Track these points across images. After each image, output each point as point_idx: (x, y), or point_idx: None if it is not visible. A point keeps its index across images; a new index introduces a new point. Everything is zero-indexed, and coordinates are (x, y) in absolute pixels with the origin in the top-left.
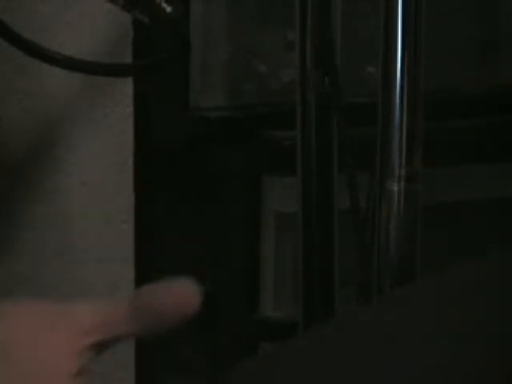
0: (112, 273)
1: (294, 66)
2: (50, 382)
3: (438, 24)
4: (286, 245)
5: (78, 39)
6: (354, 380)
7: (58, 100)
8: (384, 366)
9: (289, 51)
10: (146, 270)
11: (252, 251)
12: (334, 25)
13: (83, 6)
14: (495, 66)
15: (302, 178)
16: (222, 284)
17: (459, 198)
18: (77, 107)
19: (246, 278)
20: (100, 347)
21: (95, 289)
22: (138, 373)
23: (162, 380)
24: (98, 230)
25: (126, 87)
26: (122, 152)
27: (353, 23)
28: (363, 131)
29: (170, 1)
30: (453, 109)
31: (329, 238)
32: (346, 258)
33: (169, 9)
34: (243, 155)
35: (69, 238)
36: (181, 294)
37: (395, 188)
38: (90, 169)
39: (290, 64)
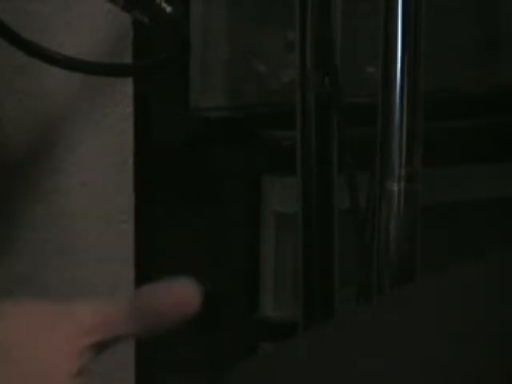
0: (112, 273)
1: (294, 66)
2: (50, 382)
3: (438, 24)
4: (286, 245)
5: (78, 39)
6: (354, 380)
7: (58, 100)
8: (384, 366)
9: (289, 51)
10: (146, 270)
11: (252, 251)
12: (334, 25)
13: (83, 6)
14: (495, 66)
15: (302, 178)
16: (222, 284)
17: (459, 198)
18: (77, 107)
19: (246, 278)
20: (100, 347)
21: (95, 289)
22: (137, 373)
23: (162, 380)
24: (98, 229)
25: (125, 87)
26: (122, 152)
27: (353, 23)
28: (363, 131)
29: (170, 1)
30: (453, 109)
31: (329, 237)
32: (346, 258)
33: (169, 9)
34: (243, 155)
35: (69, 237)
36: (181, 294)
37: (395, 188)
38: (90, 169)
39: (290, 64)
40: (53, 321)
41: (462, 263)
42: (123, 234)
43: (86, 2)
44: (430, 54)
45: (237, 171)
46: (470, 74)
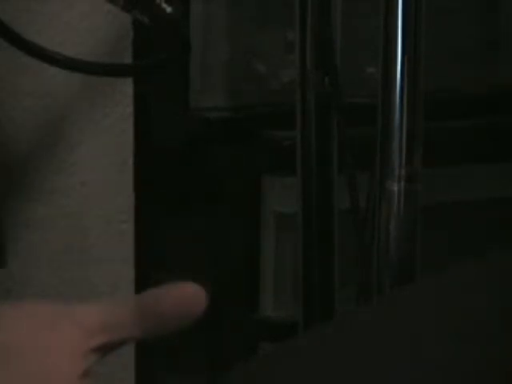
0: (112, 273)
1: (294, 66)
2: (50, 383)
3: (437, 24)
4: (286, 245)
5: (78, 39)
6: (353, 380)
7: (58, 100)
8: (384, 366)
9: (289, 51)
10: (146, 270)
11: (252, 251)
12: (334, 25)
13: (83, 6)
14: (495, 66)
15: (302, 178)
16: (222, 284)
17: (459, 198)
18: (77, 107)
19: (246, 278)
20: (105, 349)
21: (95, 289)
22: (138, 373)
23: (162, 380)
24: (97, 229)
25: (125, 87)
26: (122, 152)
27: (353, 23)
28: (363, 131)
29: (170, 1)
30: (453, 109)
31: (329, 238)
32: (346, 258)
33: (169, 9)
34: (243, 155)
35: (69, 237)
36: (186, 296)
37: (395, 188)
38: (90, 169)
39: (290, 64)
40: (53, 321)
41: (462, 263)
42: (123, 234)
43: (86, 2)
44: (430, 54)
45: (237, 171)
46: (470, 74)
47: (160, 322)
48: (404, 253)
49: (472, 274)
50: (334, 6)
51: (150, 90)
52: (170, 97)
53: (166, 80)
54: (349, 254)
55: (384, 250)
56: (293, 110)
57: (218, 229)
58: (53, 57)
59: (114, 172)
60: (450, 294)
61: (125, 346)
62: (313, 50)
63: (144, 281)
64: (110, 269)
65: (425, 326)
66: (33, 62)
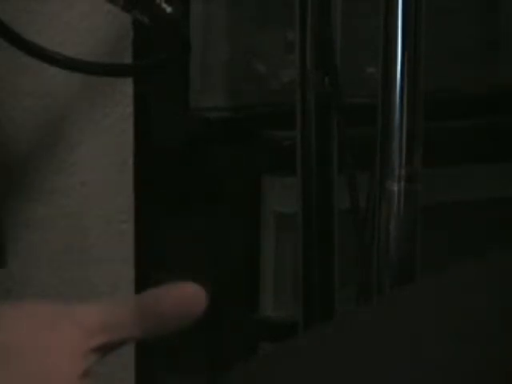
0: (112, 273)
1: (294, 66)
2: (50, 383)
3: (438, 24)
4: (286, 245)
5: (78, 39)
6: (353, 380)
7: (58, 100)
8: (384, 366)
9: (289, 51)
10: (146, 270)
11: (252, 251)
12: (334, 25)
13: (83, 6)
14: (495, 66)
15: (302, 178)
16: (222, 284)
17: (459, 198)
18: (77, 107)
19: (246, 278)
20: (105, 349)
21: (95, 289)
22: (138, 373)
23: (162, 380)
24: (98, 229)
25: (125, 87)
26: (122, 152)
27: (353, 23)
28: (363, 131)
29: (170, 1)
30: (453, 109)
31: (329, 238)
32: (346, 258)
33: (169, 9)
34: (243, 155)
35: (69, 237)
36: (186, 296)
37: (395, 188)
38: (90, 169)
39: (290, 64)
40: (53, 321)
41: (462, 263)
42: (123, 234)
43: (86, 2)
44: (430, 54)
45: (237, 171)
46: (470, 74)
47: (160, 322)
48: (404, 253)
49: (472, 274)
50: (334, 6)
51: (150, 90)
52: (170, 97)
53: (166, 80)
54: (349, 254)
55: (384, 250)
56: (293, 110)
57: (218, 229)
58: (53, 57)
59: (114, 172)
60: (450, 294)
61: (125, 346)
62: (313, 50)
63: (144, 281)
64: (109, 269)
65: (425, 326)
66: (33, 62)
